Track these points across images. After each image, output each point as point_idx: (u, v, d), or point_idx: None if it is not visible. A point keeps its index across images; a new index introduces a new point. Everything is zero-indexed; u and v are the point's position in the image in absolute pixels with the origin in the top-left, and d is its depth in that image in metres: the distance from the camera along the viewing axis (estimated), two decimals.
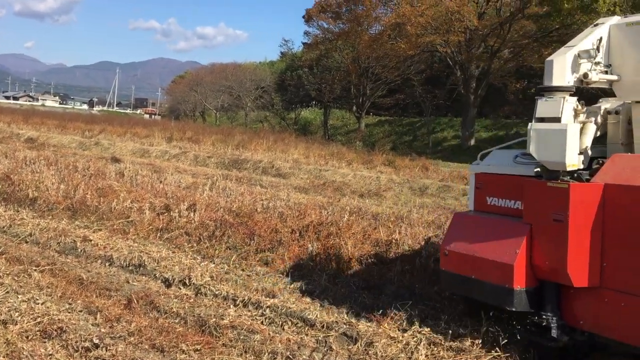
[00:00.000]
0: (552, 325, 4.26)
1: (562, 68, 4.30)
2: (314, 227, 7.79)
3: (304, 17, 46.27)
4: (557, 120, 4.21)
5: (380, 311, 5.35)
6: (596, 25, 4.66)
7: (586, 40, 4.45)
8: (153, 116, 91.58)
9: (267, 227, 7.74)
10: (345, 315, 5.29)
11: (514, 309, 4.36)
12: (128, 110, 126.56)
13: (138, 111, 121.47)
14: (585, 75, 4.36)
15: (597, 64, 4.43)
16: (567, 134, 4.09)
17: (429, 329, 4.91)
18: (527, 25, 31.70)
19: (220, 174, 17.04)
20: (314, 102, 54.63)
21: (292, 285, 6.26)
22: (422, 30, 32.09)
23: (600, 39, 4.51)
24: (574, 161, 4.16)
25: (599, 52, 4.45)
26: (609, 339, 4.12)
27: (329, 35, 45.08)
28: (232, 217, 8.52)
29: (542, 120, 4.32)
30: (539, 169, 4.47)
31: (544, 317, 4.29)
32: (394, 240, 7.56)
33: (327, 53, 46.79)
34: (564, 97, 4.24)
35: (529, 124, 4.36)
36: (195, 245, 7.65)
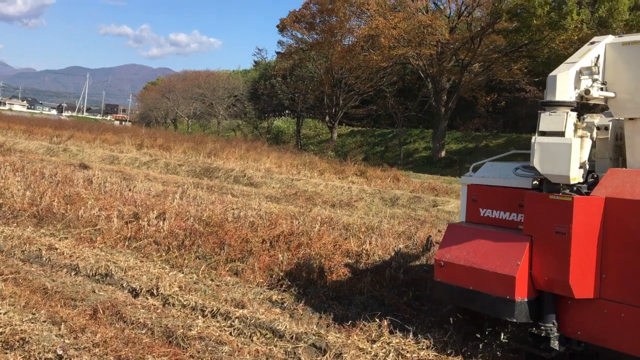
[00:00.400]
0: (551, 335, 4.31)
1: (565, 84, 4.39)
2: (284, 237, 7.79)
3: (278, 26, 46.43)
4: (561, 134, 4.30)
5: (350, 322, 5.37)
6: (592, 43, 4.79)
7: (586, 57, 4.57)
8: (124, 123, 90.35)
9: (237, 237, 7.70)
10: (315, 326, 5.28)
11: (514, 320, 4.40)
12: (98, 117, 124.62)
13: (108, 117, 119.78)
14: (587, 92, 4.46)
15: (596, 80, 4.56)
16: (572, 148, 4.19)
17: (397, 339, 4.94)
18: (497, 40, 32.33)
19: (191, 182, 16.89)
20: (287, 112, 54.73)
21: (262, 296, 6.23)
22: (395, 42, 32.48)
23: (598, 57, 4.63)
24: (576, 175, 4.25)
25: (598, 69, 4.57)
26: (607, 349, 4.17)
27: (303, 45, 45.30)
28: (203, 226, 8.44)
29: (544, 134, 4.39)
30: (537, 182, 4.58)
31: (542, 327, 4.34)
32: (364, 251, 7.61)
33: (300, 63, 46.97)
34: (567, 112, 4.33)
35: (533, 137, 4.41)
36: (164, 254, 7.56)
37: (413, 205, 16.35)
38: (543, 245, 4.32)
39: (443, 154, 36.56)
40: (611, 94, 4.64)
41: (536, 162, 4.35)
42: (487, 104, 37.04)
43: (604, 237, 4.17)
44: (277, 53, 51.43)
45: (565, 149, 4.20)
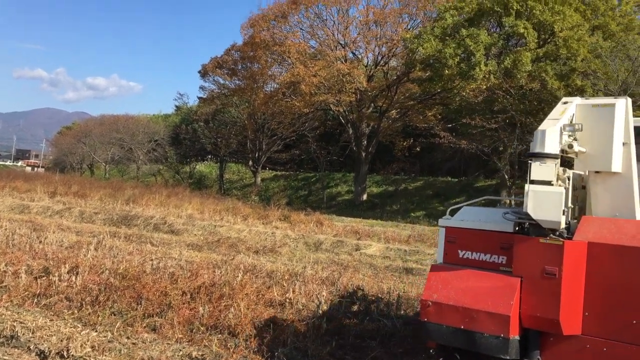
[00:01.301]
0: None
1: (553, 138, 4.77)
2: (206, 289, 7.60)
3: (200, 72, 46.43)
4: (550, 183, 4.66)
5: None
6: (565, 102, 5.26)
7: (565, 115, 5.02)
8: (36, 169, 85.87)
9: (156, 290, 7.43)
10: None
11: (507, 357, 4.56)
12: (8, 162, 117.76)
13: (19, 163, 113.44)
14: (570, 146, 4.92)
15: (574, 136, 5.02)
16: (562, 197, 4.58)
17: None
18: (412, 88, 33.93)
19: (107, 231, 16.23)
20: (209, 156, 54.23)
21: (182, 352, 6.00)
22: (316, 89, 33.31)
23: (572, 116, 5.14)
24: (563, 221, 4.63)
25: (580, 126, 5.01)
26: None
27: (225, 91, 45.46)
28: (119, 279, 8.10)
29: (533, 182, 4.71)
30: (520, 226, 4.95)
31: None
32: (287, 300, 7.55)
33: (223, 108, 47.00)
34: (555, 163, 4.72)
35: (526, 185, 4.72)
36: (76, 311, 7.15)
37: (336, 250, 16.48)
38: (533, 286, 4.63)
39: (365, 197, 37.35)
40: (583, 149, 5.10)
41: (530, 208, 4.65)
42: (404, 148, 38.44)
43: (587, 278, 4.58)
44: (199, 98, 51.31)
45: (557, 197, 4.59)
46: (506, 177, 27.88)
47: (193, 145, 51.65)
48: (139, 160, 58.06)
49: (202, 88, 48.45)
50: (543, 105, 26.04)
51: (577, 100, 5.27)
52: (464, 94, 27.50)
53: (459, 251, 5.31)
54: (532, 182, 4.70)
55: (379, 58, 36.53)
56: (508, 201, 27.63)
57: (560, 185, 4.78)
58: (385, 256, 15.70)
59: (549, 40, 26.41)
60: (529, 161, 4.80)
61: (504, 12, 26.32)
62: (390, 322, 7.26)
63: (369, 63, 37.15)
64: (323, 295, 7.78)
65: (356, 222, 26.26)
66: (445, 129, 30.32)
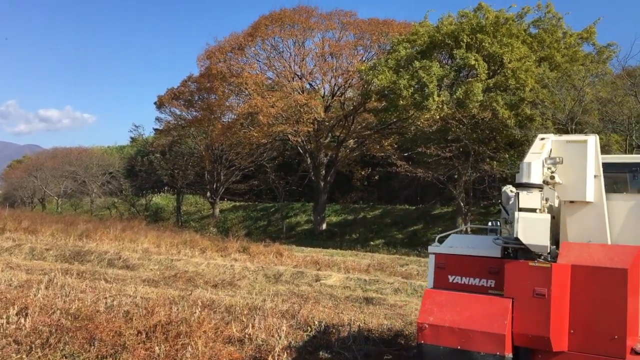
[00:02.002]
0: None
1: (537, 169, 5.22)
2: (162, 327, 7.41)
3: (155, 103, 46.00)
4: (536, 210, 5.09)
5: None
6: (542, 139, 5.72)
7: (545, 150, 5.49)
8: None
9: (109, 330, 7.20)
10: None
11: None
12: None
13: None
14: (552, 177, 5.40)
15: (553, 169, 5.49)
16: (549, 223, 5.03)
17: None
18: (369, 118, 34.46)
19: (59, 268, 15.69)
20: (166, 188, 53.37)
21: None
22: (274, 120, 33.45)
23: (550, 150, 5.59)
24: (549, 245, 5.07)
25: (561, 159, 5.53)
26: None
27: (182, 122, 45.08)
28: (71, 320, 7.82)
29: (521, 209, 5.10)
30: (508, 251, 5.40)
31: None
32: (247, 336, 7.44)
33: (180, 139, 46.51)
34: (541, 192, 5.16)
35: (515, 213, 5.09)
36: (25, 356, 6.85)
37: (296, 281, 16.38)
38: (524, 306, 5.04)
39: (324, 226, 37.38)
40: (560, 181, 5.53)
41: (520, 234, 5.02)
42: (363, 177, 38.81)
43: (571, 298, 5.04)
44: (155, 129, 50.71)
45: (544, 223, 5.03)
46: (462, 204, 28.41)
47: (149, 177, 50.79)
48: (92, 194, 56.59)
49: (158, 119, 47.98)
50: (495, 134, 26.85)
51: (552, 136, 5.75)
52: (419, 123, 28.08)
53: (449, 276, 5.70)
54: (521, 209, 5.09)
55: (336, 89, 37.08)
56: (464, 228, 28.18)
57: (545, 213, 5.17)
58: (346, 286, 15.69)
59: (498, 71, 27.36)
60: (517, 191, 5.24)
61: (455, 45, 27.21)
62: (350, 355, 7.24)
63: (326, 94, 37.63)
64: (283, 330, 7.70)
65: (316, 252, 26.20)
66: (402, 157, 30.80)
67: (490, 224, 6.39)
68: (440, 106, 26.03)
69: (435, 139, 28.31)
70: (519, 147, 26.16)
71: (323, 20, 36.98)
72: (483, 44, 26.45)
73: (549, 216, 5.08)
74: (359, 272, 18.34)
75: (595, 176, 5.57)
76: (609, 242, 5.47)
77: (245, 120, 36.98)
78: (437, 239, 6.13)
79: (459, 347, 5.07)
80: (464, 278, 5.59)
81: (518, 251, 5.22)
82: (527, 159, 5.33)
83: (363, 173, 38.65)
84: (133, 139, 63.65)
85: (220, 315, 8.93)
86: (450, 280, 5.65)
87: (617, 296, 4.88)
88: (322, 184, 36.83)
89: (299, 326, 8.73)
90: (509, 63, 26.01)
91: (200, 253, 21.02)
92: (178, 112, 45.40)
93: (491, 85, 26.40)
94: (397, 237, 33.03)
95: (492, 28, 26.76)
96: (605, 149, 23.02)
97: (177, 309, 8.61)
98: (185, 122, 44.40)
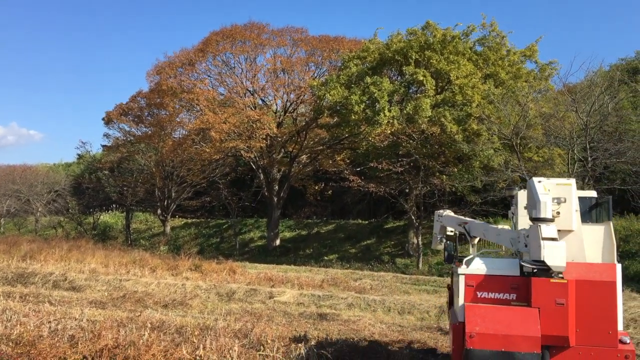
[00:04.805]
0: None
1: (549, 207, 6.67)
2: (109, 351, 7.18)
3: (104, 119, 44.92)
4: (555, 239, 6.52)
5: None
6: (540, 181, 7.01)
7: (551, 192, 6.95)
8: None
9: (53, 356, 6.93)
10: None
11: None
12: None
13: None
14: (558, 213, 6.89)
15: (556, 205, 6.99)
16: (565, 249, 6.55)
17: None
18: (321, 134, 34.66)
19: (0, 292, 15.04)
20: (114, 206, 51.98)
21: None
22: (226, 136, 33.16)
23: (549, 190, 7.02)
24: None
25: (565, 199, 7.00)
26: None
27: (131, 138, 44.13)
28: (11, 346, 7.48)
29: (545, 239, 6.49)
30: (529, 270, 6.74)
31: None
32: (197, 358, 7.29)
33: (129, 155, 45.43)
34: (554, 225, 6.67)
35: (541, 241, 6.50)
36: None
37: (250, 299, 16.20)
38: (548, 313, 6.61)
39: (278, 242, 37.21)
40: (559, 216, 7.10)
41: (547, 258, 6.48)
42: (316, 192, 38.89)
43: (577, 304, 6.64)
44: (103, 146, 49.40)
45: (563, 249, 6.50)
46: (413, 217, 28.85)
47: (97, 195, 49.34)
48: (37, 213, 54.57)
49: (106, 135, 46.71)
50: (443, 149, 27.48)
51: (544, 180, 7.13)
52: (371, 138, 28.43)
53: (477, 292, 7.04)
54: (544, 239, 6.49)
55: (288, 104, 37.20)
56: (415, 241, 28.59)
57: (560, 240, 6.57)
58: (299, 302, 15.63)
59: (446, 87, 28.09)
60: (537, 224, 6.64)
61: (404, 62, 27.82)
62: None
63: (278, 109, 37.69)
64: (235, 350, 7.59)
65: (270, 268, 26.04)
66: (354, 172, 31.06)
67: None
68: (391, 121, 26.46)
69: (386, 154, 28.73)
70: (467, 162, 26.86)
71: (274, 37, 37.17)
72: (431, 60, 27.14)
73: (564, 243, 6.51)
74: (313, 287, 18.30)
75: (575, 210, 6.99)
76: (586, 261, 6.95)
77: (196, 136, 36.58)
78: (464, 261, 7.28)
79: (503, 350, 6.48)
80: (490, 293, 6.95)
81: (539, 271, 6.60)
82: (541, 198, 6.69)
83: (317, 188, 38.73)
84: (80, 156, 61.75)
85: (171, 337, 8.72)
86: (479, 296, 7.00)
87: (609, 301, 6.65)
88: (275, 199, 36.72)
89: (252, 345, 8.62)
90: (456, 80, 26.75)
91: (151, 272, 20.53)
92: (127, 128, 44.46)
93: (439, 101, 27.07)
94: (351, 252, 33.19)
95: (439, 46, 27.50)
96: (548, 162, 23.96)
97: (125, 332, 8.36)
98: (135, 139, 43.48)
